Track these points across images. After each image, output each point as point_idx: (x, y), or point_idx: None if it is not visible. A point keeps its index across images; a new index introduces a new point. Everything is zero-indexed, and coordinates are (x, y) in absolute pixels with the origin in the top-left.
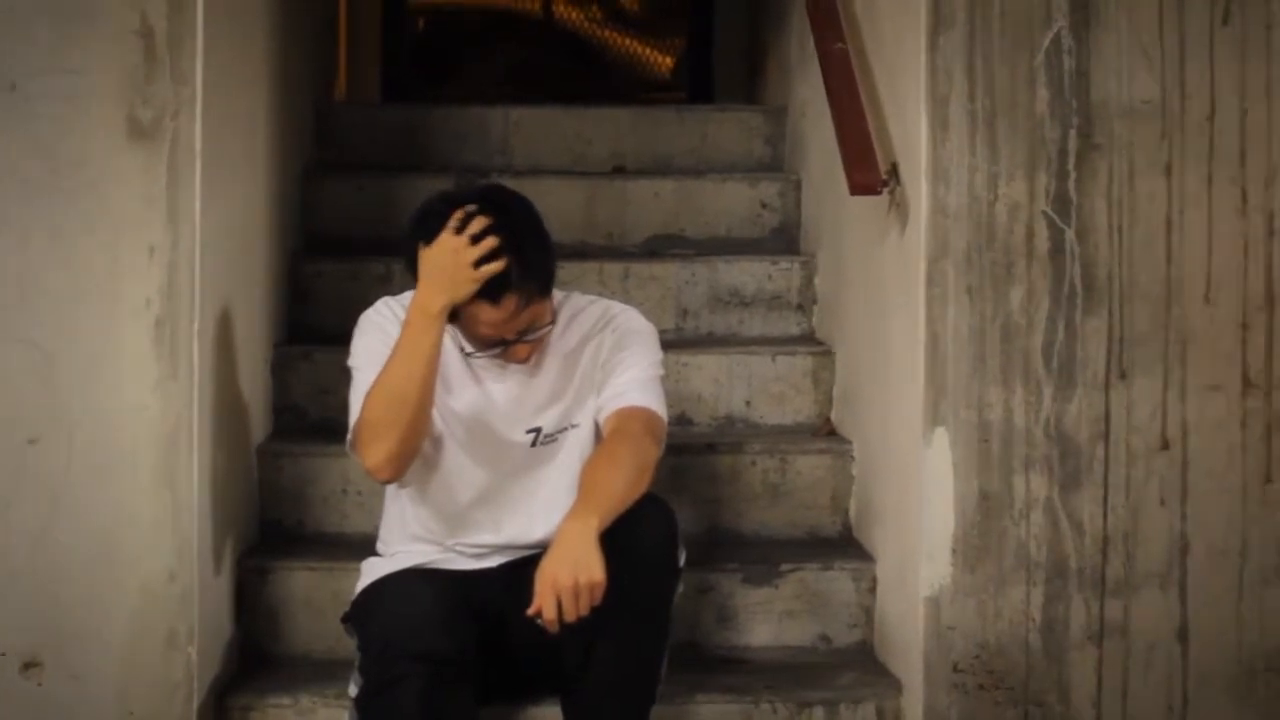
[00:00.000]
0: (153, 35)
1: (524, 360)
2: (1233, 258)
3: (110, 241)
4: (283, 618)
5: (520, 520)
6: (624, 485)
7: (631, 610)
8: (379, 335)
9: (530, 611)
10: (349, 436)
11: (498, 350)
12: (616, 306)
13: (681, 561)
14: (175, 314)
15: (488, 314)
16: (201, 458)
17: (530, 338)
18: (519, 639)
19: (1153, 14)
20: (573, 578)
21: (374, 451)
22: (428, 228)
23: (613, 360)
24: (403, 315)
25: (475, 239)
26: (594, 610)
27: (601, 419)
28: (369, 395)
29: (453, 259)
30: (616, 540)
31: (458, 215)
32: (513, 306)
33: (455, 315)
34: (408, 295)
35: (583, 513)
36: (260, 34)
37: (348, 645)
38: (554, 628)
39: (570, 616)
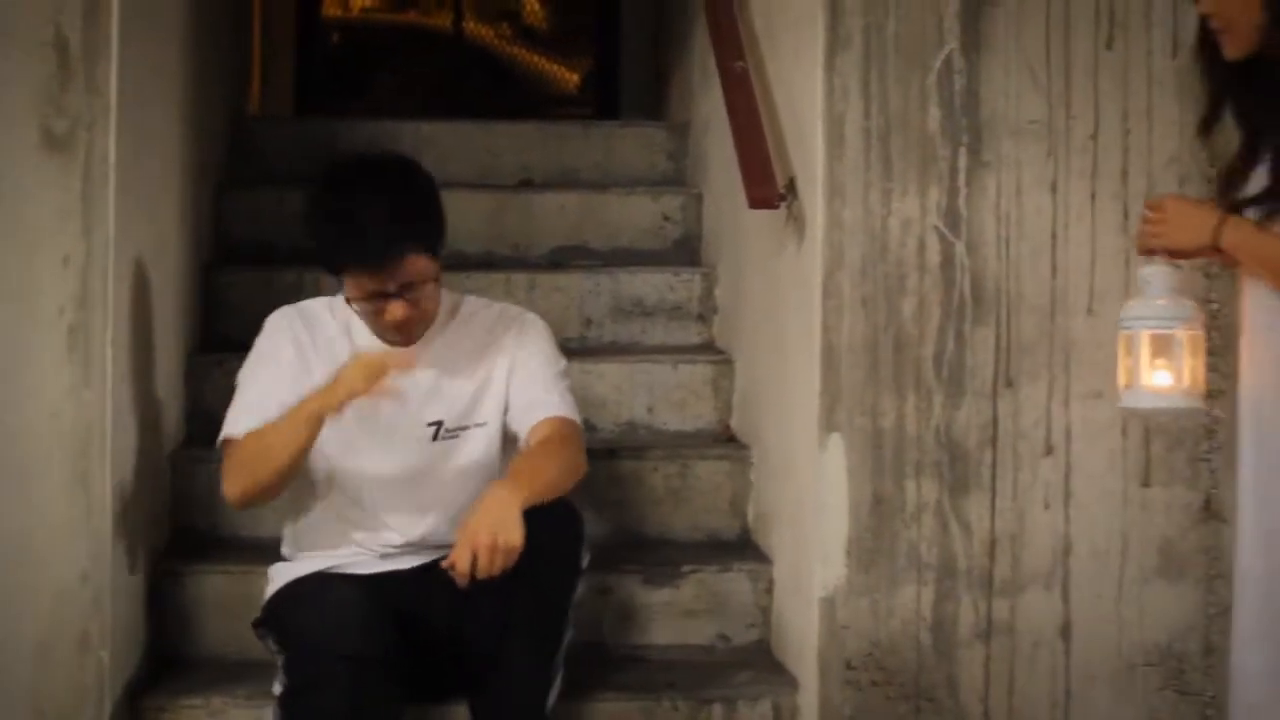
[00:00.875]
0: (67, 47)
1: (401, 324)
2: (1114, 271)
3: (25, 251)
4: (195, 620)
5: (428, 520)
6: (555, 475)
7: (532, 604)
8: (269, 349)
9: (444, 564)
10: (227, 428)
11: (379, 303)
12: (514, 310)
13: (585, 563)
14: (89, 322)
15: (366, 284)
16: (115, 463)
17: (410, 295)
18: (429, 641)
19: (1040, 38)
20: (491, 536)
21: (231, 485)
22: (327, 224)
23: (527, 370)
24: (301, 327)
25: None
26: (501, 596)
27: (527, 426)
28: (247, 438)
29: (359, 380)
30: (526, 531)
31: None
32: (392, 270)
33: (336, 274)
34: (308, 303)
35: (512, 484)
36: (175, 47)
37: (260, 647)
38: (464, 581)
39: (482, 573)
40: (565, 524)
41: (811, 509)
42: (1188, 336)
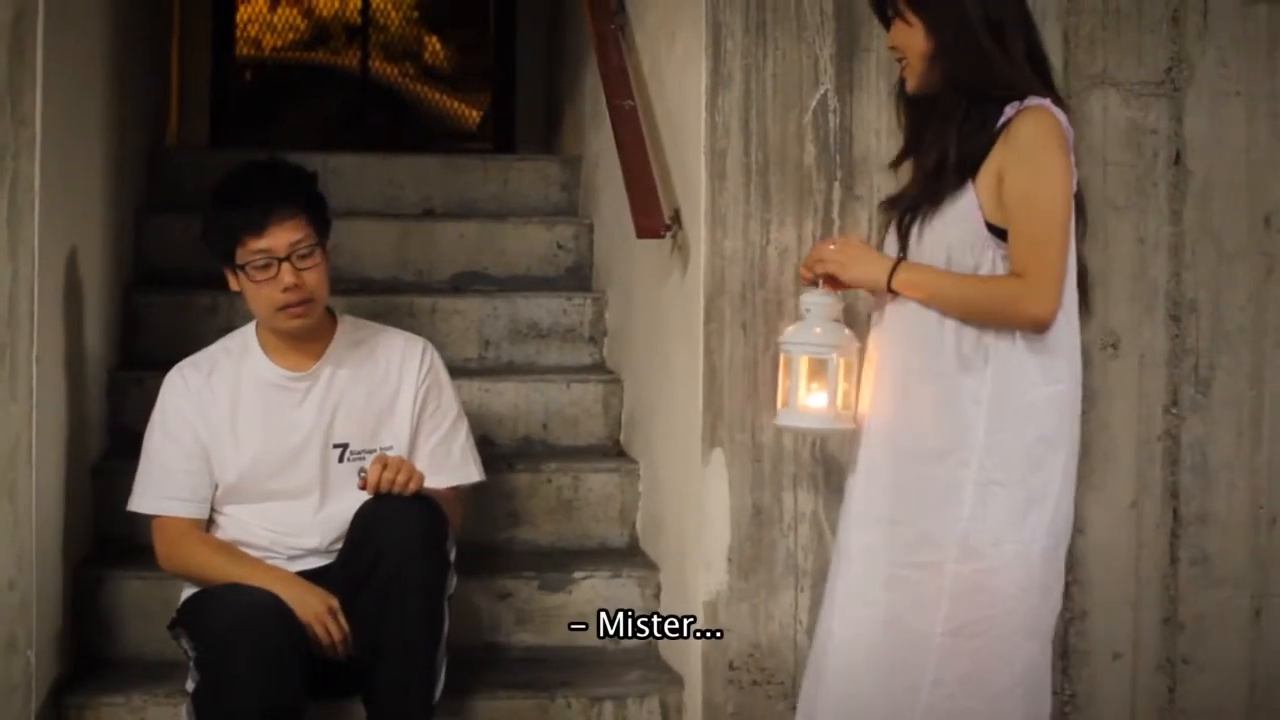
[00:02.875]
0: None
1: (292, 290)
2: None
3: None
4: (116, 623)
5: (336, 530)
6: (449, 505)
7: (408, 599)
8: (163, 422)
9: (359, 475)
10: (133, 502)
11: (272, 271)
12: (409, 338)
13: (452, 556)
14: (15, 340)
15: (256, 247)
16: (40, 474)
17: (299, 264)
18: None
19: None
20: (406, 462)
21: (163, 562)
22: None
23: (440, 427)
24: (196, 378)
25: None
26: (379, 594)
27: (441, 481)
28: (189, 552)
29: (318, 605)
30: (389, 530)
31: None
32: (275, 230)
33: (231, 255)
34: (203, 353)
35: None
36: (98, 82)
37: (176, 648)
38: (364, 483)
39: (386, 486)
40: (431, 521)
41: (695, 519)
42: (842, 362)
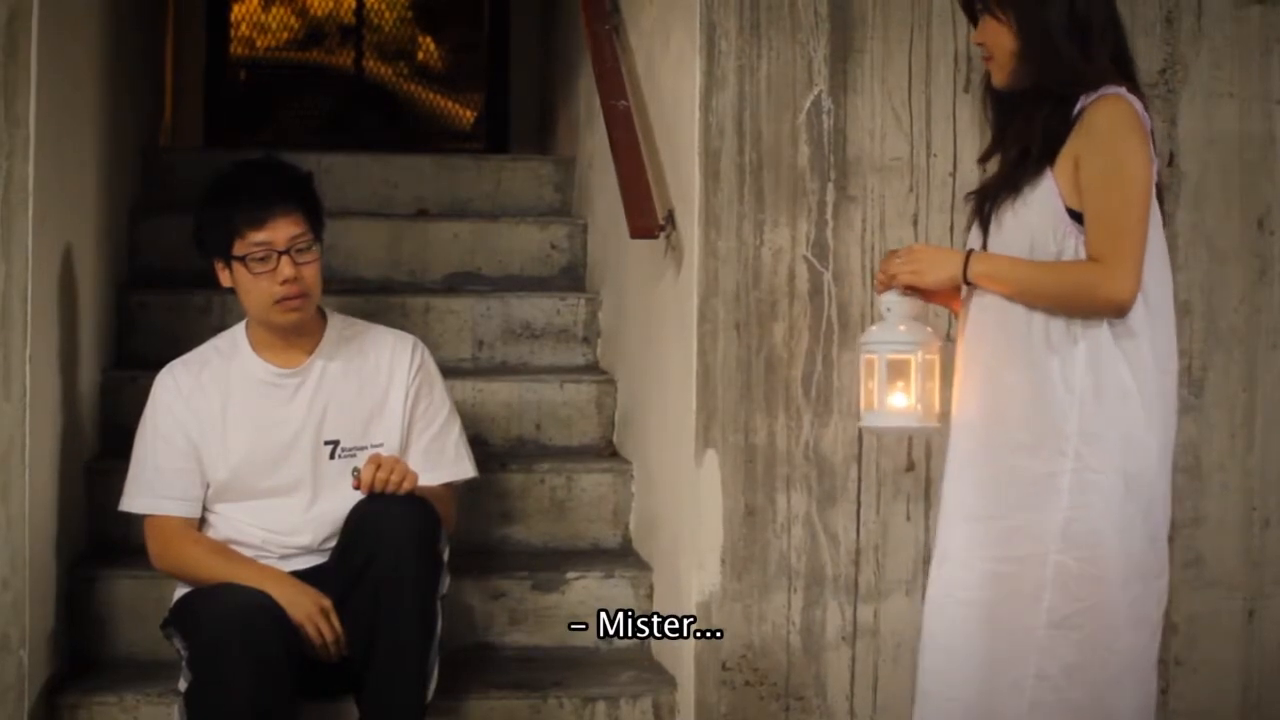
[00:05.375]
0: None
1: (291, 282)
2: None
3: None
4: (109, 622)
5: (327, 528)
6: (444, 503)
7: (400, 595)
8: (154, 423)
9: (353, 474)
10: (125, 502)
11: (271, 263)
12: (399, 335)
13: (445, 556)
14: (9, 340)
15: (256, 239)
16: (34, 474)
17: (298, 257)
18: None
19: (903, 81)
20: (400, 462)
21: (156, 560)
22: (214, 230)
23: (434, 423)
24: (187, 379)
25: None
26: (373, 594)
27: (436, 478)
28: (182, 552)
29: (310, 605)
30: (383, 529)
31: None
32: (276, 224)
33: (228, 247)
34: (194, 352)
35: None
36: (91, 83)
37: (169, 647)
38: (358, 482)
39: (379, 485)
40: (424, 520)
41: (688, 520)
42: (925, 361)
